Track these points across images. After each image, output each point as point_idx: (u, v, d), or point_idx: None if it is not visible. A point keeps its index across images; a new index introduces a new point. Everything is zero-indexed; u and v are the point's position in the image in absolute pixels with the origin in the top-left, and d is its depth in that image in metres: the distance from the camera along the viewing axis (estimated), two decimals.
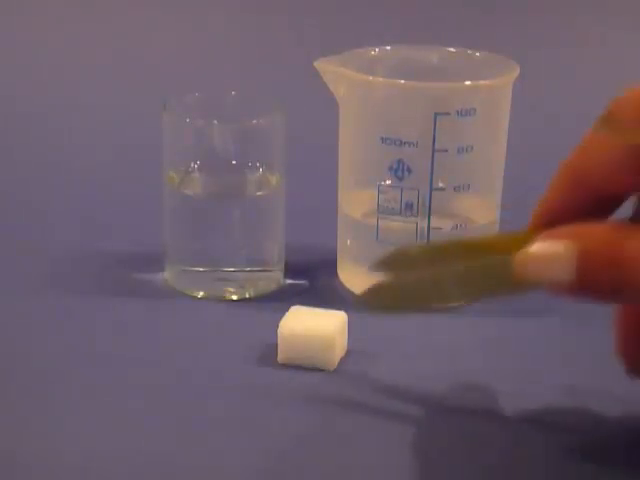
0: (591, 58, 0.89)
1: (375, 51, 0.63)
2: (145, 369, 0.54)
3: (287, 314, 0.55)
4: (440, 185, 0.58)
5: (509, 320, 0.59)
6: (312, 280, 0.64)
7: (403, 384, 0.53)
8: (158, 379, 0.53)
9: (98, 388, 0.52)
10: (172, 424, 0.49)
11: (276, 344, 0.54)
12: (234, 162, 0.61)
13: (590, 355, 0.56)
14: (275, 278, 0.63)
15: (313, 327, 0.53)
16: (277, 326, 0.54)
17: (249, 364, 0.54)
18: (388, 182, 0.58)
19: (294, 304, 0.55)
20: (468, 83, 0.58)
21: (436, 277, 0.47)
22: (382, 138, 0.57)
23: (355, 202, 0.62)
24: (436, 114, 0.56)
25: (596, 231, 0.40)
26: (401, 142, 0.57)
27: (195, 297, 0.61)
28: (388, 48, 0.63)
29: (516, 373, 0.54)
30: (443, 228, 0.59)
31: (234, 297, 0.61)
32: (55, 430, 0.48)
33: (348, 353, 0.55)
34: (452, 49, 0.63)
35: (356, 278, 0.62)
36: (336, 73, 0.59)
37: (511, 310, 0.59)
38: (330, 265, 0.64)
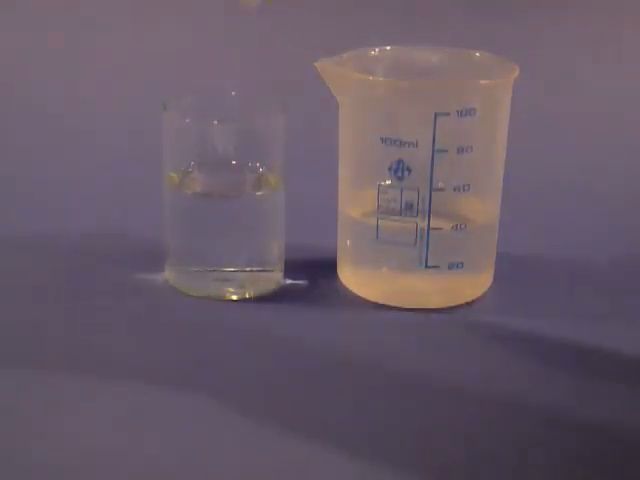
0: (591, 58, 0.89)
1: (375, 51, 0.63)
2: (145, 369, 0.54)
3: None
4: (440, 185, 0.58)
5: (516, 320, 0.60)
6: (312, 280, 0.64)
7: (403, 384, 0.53)
8: (158, 379, 0.53)
9: (98, 388, 0.52)
10: (172, 424, 0.49)
11: (275, 344, 0.54)
12: (234, 162, 0.61)
13: (591, 355, 0.56)
14: (275, 278, 0.63)
15: None
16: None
17: (249, 364, 0.54)
18: (388, 182, 0.58)
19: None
20: (468, 83, 0.58)
21: None
22: (382, 138, 0.57)
23: (355, 202, 0.62)
24: (436, 114, 0.56)
25: None
26: (401, 142, 0.57)
27: (195, 297, 0.61)
28: (388, 48, 0.63)
29: (516, 373, 0.54)
30: (443, 228, 0.59)
31: (234, 297, 0.61)
32: (55, 430, 0.48)
33: (349, 354, 0.55)
34: (452, 49, 0.63)
35: (356, 278, 0.62)
36: (336, 73, 0.59)
37: (516, 310, 0.59)
38: (330, 265, 0.64)
